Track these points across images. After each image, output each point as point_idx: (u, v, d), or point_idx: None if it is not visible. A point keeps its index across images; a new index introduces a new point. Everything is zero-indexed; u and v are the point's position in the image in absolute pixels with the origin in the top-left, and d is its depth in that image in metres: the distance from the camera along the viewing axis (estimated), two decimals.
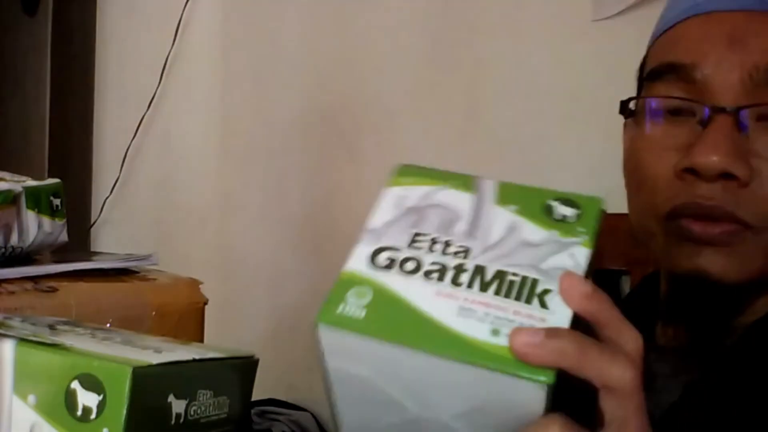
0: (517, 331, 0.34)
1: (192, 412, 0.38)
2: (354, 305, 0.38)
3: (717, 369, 0.51)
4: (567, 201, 0.42)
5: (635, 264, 0.90)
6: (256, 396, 0.47)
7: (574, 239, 0.41)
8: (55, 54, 1.59)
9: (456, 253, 0.40)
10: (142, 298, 0.75)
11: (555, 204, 0.42)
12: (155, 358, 0.37)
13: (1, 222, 0.72)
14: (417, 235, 0.41)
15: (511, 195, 0.42)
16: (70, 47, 1.65)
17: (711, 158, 0.49)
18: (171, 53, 1.63)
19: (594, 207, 0.43)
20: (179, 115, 1.64)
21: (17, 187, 0.75)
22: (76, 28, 1.69)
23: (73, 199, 1.20)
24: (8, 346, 0.37)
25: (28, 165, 1.55)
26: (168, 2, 1.68)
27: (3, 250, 0.74)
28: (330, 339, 0.38)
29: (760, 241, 0.50)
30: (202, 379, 0.40)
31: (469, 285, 0.38)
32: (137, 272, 0.82)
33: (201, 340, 0.78)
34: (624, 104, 0.57)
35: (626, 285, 0.95)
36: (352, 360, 0.38)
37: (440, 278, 0.38)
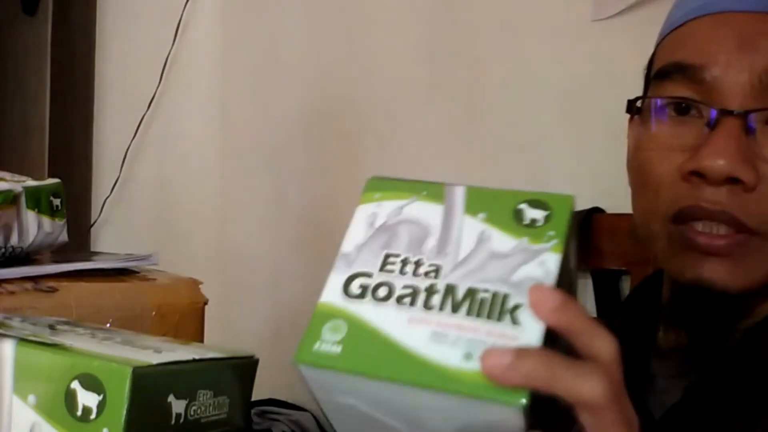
0: (487, 354, 0.35)
1: (192, 412, 0.38)
2: (329, 341, 0.39)
3: (718, 371, 0.51)
4: (536, 203, 0.42)
5: (635, 264, 0.90)
6: (256, 396, 0.47)
7: (543, 245, 0.40)
8: (55, 54, 1.59)
9: (427, 273, 0.40)
10: (142, 298, 0.75)
11: (524, 207, 0.41)
12: (155, 358, 0.37)
13: (1, 222, 0.72)
14: (388, 256, 0.42)
15: (480, 202, 0.42)
16: (70, 47, 1.65)
17: (718, 162, 0.49)
18: (171, 53, 1.62)
19: (564, 206, 0.42)
20: (179, 115, 1.64)
21: (17, 187, 0.75)
22: (76, 28, 1.69)
23: (73, 199, 1.20)
24: (8, 346, 0.37)
25: (28, 165, 1.55)
26: (168, 2, 1.68)
27: (3, 250, 0.74)
28: (310, 375, 0.39)
29: (764, 248, 0.50)
30: (202, 379, 0.40)
31: (441, 307, 0.39)
32: (137, 272, 0.82)
33: (201, 340, 0.78)
34: (631, 103, 0.56)
35: (626, 285, 0.95)
36: (337, 391, 0.39)
37: (412, 303, 0.39)
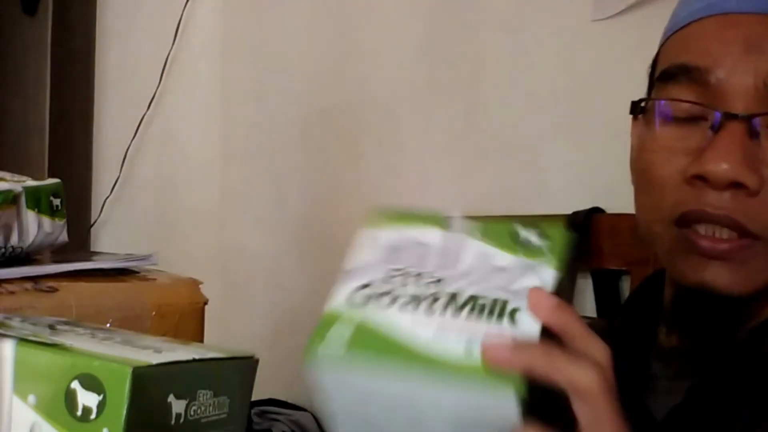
0: (489, 340, 0.36)
1: (192, 412, 0.38)
2: (335, 343, 0.40)
3: (719, 372, 0.51)
4: (533, 229, 0.43)
5: (635, 264, 0.90)
6: (256, 396, 0.47)
7: (541, 260, 0.42)
8: (55, 54, 1.59)
9: (430, 283, 0.42)
10: (142, 298, 0.75)
11: (522, 231, 0.43)
12: (155, 358, 0.37)
13: (1, 222, 0.72)
14: (392, 270, 0.43)
15: (481, 227, 0.44)
16: (70, 47, 1.65)
17: (721, 166, 0.48)
18: (171, 53, 1.62)
19: (560, 236, 0.44)
20: (179, 115, 1.64)
21: (17, 187, 0.75)
22: (76, 27, 1.69)
23: (73, 199, 1.20)
24: (8, 346, 0.37)
25: (28, 165, 1.55)
26: (168, 2, 1.68)
27: (3, 250, 0.74)
28: (317, 376, 0.40)
29: (766, 252, 0.49)
30: (202, 379, 0.40)
31: (443, 311, 0.40)
32: (137, 272, 0.82)
33: (201, 340, 0.78)
34: (635, 104, 0.56)
35: (626, 285, 0.95)
36: (342, 391, 0.40)
37: (416, 308, 0.41)
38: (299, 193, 1.51)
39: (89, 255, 1.32)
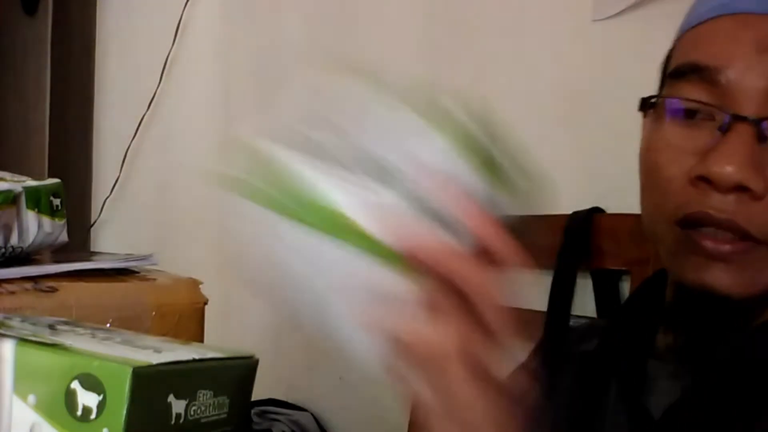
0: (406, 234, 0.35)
1: (192, 412, 0.38)
2: (253, 177, 0.39)
3: (717, 370, 0.51)
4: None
5: (635, 264, 0.90)
6: (256, 396, 0.47)
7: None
8: (55, 54, 1.59)
9: (339, 131, 0.40)
10: (142, 298, 0.75)
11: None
12: (155, 358, 0.37)
13: (1, 222, 0.72)
14: (317, 118, 0.42)
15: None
16: (70, 47, 1.65)
17: (726, 169, 0.48)
18: (171, 53, 1.62)
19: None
20: (179, 115, 1.64)
21: (17, 187, 0.75)
22: (76, 28, 1.69)
23: (73, 199, 1.20)
24: (8, 346, 0.37)
25: (28, 165, 1.55)
26: (168, 2, 1.68)
27: (3, 250, 0.74)
28: (239, 206, 0.40)
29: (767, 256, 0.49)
30: (202, 379, 0.40)
31: (344, 165, 0.39)
32: (137, 272, 0.82)
33: (201, 340, 0.78)
34: (644, 101, 0.55)
35: (626, 285, 0.95)
36: (258, 228, 0.39)
37: (323, 157, 0.39)
38: None
39: (89, 255, 1.32)
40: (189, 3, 1.63)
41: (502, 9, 1.16)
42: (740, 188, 0.48)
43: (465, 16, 1.22)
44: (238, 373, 0.44)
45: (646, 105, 0.55)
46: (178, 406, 0.37)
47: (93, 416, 0.35)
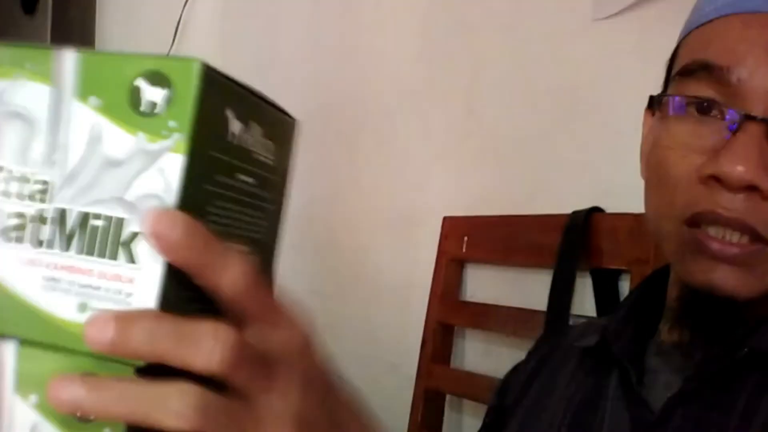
0: (88, 324, 0.30)
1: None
2: None
3: (716, 364, 0.51)
4: (155, 76, 0.33)
5: (635, 264, 0.90)
6: None
7: (163, 143, 0.32)
8: None
9: (35, 193, 0.33)
10: None
11: (142, 85, 0.33)
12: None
13: None
14: None
15: (94, 79, 0.33)
16: (69, 46, 1.65)
17: (737, 168, 0.48)
18: (171, 53, 1.62)
19: (188, 78, 0.33)
20: None
21: None
22: (75, 27, 1.69)
23: None
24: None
25: None
26: (167, 2, 1.68)
27: None
28: None
29: None
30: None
31: (51, 243, 0.33)
32: None
33: None
34: (652, 98, 0.55)
35: (626, 285, 0.95)
36: None
37: (21, 238, 0.33)
38: (298, 192, 1.51)
39: None
40: (189, 3, 1.63)
41: (501, 8, 1.16)
42: (750, 188, 0.48)
43: (464, 16, 1.22)
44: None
45: (653, 103, 0.55)
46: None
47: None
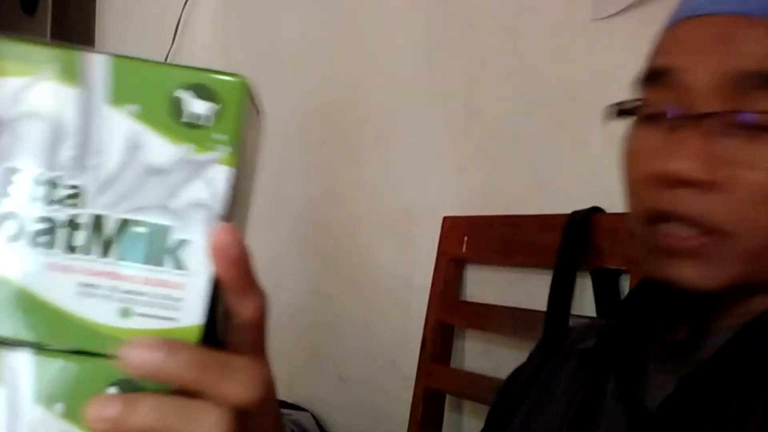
0: (134, 347, 0.31)
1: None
2: None
3: (712, 362, 0.52)
4: (201, 90, 0.33)
5: (635, 264, 0.90)
6: None
7: (210, 155, 0.33)
8: None
9: (66, 198, 0.32)
10: None
11: (185, 96, 0.33)
12: None
13: None
14: (11, 172, 0.32)
15: (129, 85, 0.33)
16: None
17: (672, 165, 0.50)
18: (170, 53, 1.62)
19: (235, 95, 0.33)
20: None
21: None
22: (75, 27, 1.69)
23: None
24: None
25: None
26: (168, 2, 1.68)
27: None
28: None
29: (734, 248, 0.50)
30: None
31: (88, 249, 0.32)
32: None
33: None
34: (613, 108, 0.58)
35: (626, 285, 0.95)
36: None
37: (51, 243, 0.32)
38: (299, 192, 1.52)
39: None
40: (189, 3, 1.63)
41: (501, 8, 1.16)
42: (689, 182, 0.49)
43: (465, 16, 1.22)
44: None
45: (616, 113, 0.57)
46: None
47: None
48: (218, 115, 0.33)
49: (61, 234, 0.32)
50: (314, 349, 1.46)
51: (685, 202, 0.50)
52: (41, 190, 0.33)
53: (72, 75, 0.33)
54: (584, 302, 0.99)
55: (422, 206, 1.27)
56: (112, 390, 0.32)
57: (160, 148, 0.33)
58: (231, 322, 0.36)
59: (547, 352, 0.69)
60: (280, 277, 1.52)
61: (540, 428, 0.61)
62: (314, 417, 1.40)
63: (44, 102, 0.33)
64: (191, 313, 0.33)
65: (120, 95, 0.33)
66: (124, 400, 0.32)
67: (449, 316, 1.16)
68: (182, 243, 0.33)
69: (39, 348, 0.33)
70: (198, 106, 0.33)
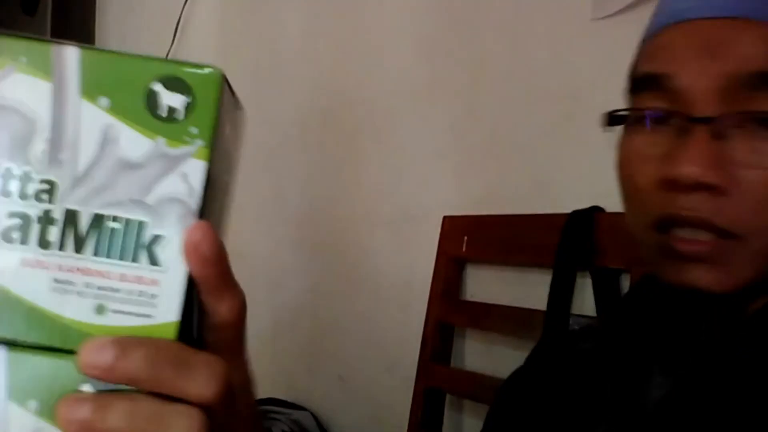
0: (84, 349, 0.31)
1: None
2: None
3: (709, 362, 0.52)
4: (174, 82, 0.33)
5: (635, 263, 0.90)
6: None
7: (185, 149, 0.33)
8: None
9: (39, 192, 0.32)
10: None
11: (159, 89, 0.33)
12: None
13: None
14: None
15: (102, 78, 0.33)
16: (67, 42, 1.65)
17: (686, 169, 0.50)
18: (170, 53, 1.62)
19: (209, 87, 0.34)
20: None
21: None
22: (75, 27, 1.69)
23: None
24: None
25: None
26: (167, 2, 1.68)
27: None
28: None
29: (746, 250, 0.50)
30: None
31: (62, 245, 0.32)
32: None
33: None
34: (610, 117, 0.58)
35: (626, 284, 0.95)
36: None
37: (24, 239, 0.32)
38: (299, 192, 1.52)
39: None
40: (188, 2, 1.63)
41: (501, 8, 1.16)
42: (703, 186, 0.49)
43: (465, 16, 1.22)
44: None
45: (611, 121, 0.57)
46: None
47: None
48: (192, 108, 0.33)
49: (35, 229, 0.32)
50: (314, 349, 1.46)
51: (699, 206, 0.50)
52: (14, 185, 0.32)
53: (44, 68, 0.33)
54: (584, 302, 0.99)
55: (422, 206, 1.27)
56: (86, 387, 0.32)
57: (135, 142, 0.33)
58: (207, 322, 0.35)
59: (545, 354, 0.69)
60: (280, 277, 1.52)
61: (540, 428, 0.61)
62: (314, 416, 1.40)
63: (16, 95, 0.33)
64: (167, 310, 0.33)
65: (93, 88, 0.33)
66: (94, 401, 0.31)
67: (449, 315, 1.16)
68: (157, 239, 0.33)
69: (13, 344, 0.32)
70: (172, 99, 0.33)
